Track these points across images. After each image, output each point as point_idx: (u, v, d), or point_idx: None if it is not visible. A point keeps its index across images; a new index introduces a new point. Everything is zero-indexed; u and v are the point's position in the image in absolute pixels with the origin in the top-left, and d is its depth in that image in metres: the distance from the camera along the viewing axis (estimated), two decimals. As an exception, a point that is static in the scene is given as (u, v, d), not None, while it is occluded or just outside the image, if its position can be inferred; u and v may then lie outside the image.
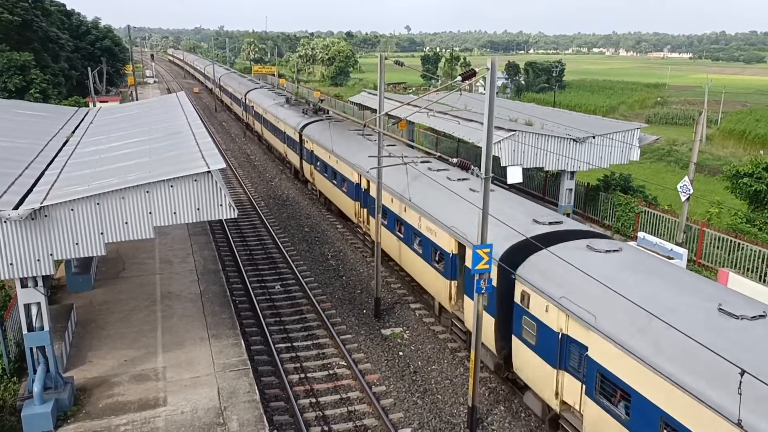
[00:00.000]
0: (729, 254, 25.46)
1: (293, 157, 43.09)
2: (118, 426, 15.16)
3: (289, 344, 21.05)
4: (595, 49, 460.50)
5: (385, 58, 22.04)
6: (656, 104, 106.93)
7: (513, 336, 16.56)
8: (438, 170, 24.28)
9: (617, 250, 15.65)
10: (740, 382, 9.85)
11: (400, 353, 20.61)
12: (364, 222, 29.74)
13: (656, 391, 11.67)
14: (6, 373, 17.04)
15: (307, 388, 18.52)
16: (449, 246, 19.86)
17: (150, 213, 14.71)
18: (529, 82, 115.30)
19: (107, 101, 60.39)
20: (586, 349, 13.59)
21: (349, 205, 31.02)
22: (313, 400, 17.90)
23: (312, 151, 37.25)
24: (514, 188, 32.75)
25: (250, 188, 42.55)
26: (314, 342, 21.28)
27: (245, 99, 63.82)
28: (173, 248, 27.68)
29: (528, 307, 15.67)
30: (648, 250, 19.71)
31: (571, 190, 29.25)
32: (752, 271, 24.34)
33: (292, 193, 41.38)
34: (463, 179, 22.99)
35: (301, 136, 39.87)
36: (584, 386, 13.83)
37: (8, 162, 18.67)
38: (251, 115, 61.22)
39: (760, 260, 24.17)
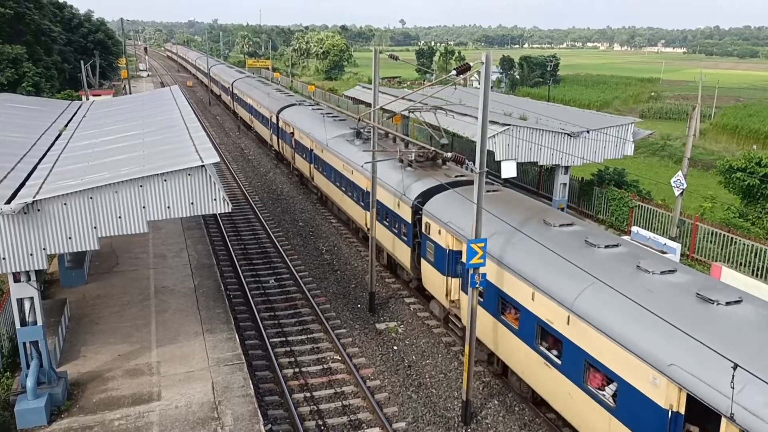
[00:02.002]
0: (722, 249, 25.57)
1: (397, 247, 24.05)
2: (111, 420, 15.14)
3: (284, 339, 21.05)
4: (590, 44, 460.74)
5: (380, 52, 21.99)
6: (650, 99, 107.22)
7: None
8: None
9: None
10: (732, 375, 9.91)
11: (395, 347, 20.65)
12: None
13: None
14: (-1, 367, 16.99)
15: (302, 382, 18.53)
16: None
17: (143, 207, 14.65)
18: (524, 77, 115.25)
19: (100, 95, 60.12)
20: None
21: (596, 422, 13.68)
22: (308, 394, 17.92)
23: (449, 252, 19.60)
24: (508, 182, 32.80)
25: (244, 182, 42.43)
26: (309, 336, 21.29)
27: (277, 119, 45.25)
28: (167, 243, 27.60)
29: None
30: (642, 244, 19.79)
31: (565, 184, 29.33)
32: (745, 266, 24.47)
33: (286, 187, 41.28)
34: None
35: (418, 215, 21.84)
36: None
37: (0, 156, 18.55)
38: (288, 145, 42.35)
39: (753, 254, 24.29)
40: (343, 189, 30.03)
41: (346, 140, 31.12)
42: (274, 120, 46.34)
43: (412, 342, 20.98)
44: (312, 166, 36.33)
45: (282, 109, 44.86)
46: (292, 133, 40.59)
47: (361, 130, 30.92)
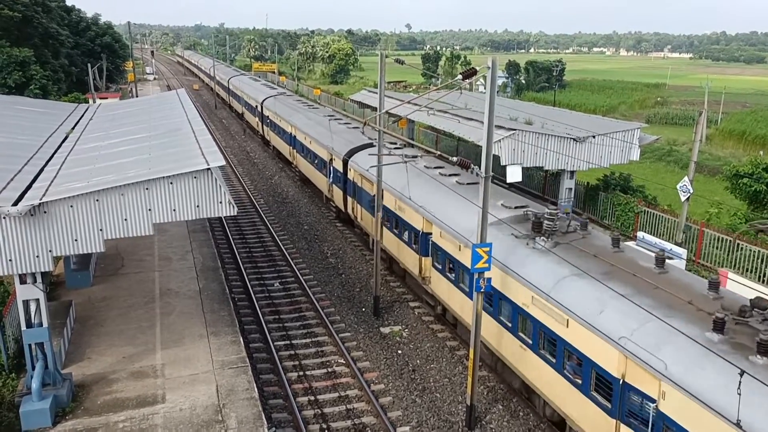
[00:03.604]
0: (728, 254, 25.47)
1: None
2: (116, 423, 15.16)
3: (288, 342, 21.06)
4: (596, 49, 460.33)
5: (386, 57, 22.01)
6: (656, 104, 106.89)
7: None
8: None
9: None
10: (740, 382, 9.85)
11: (399, 351, 20.62)
12: None
13: None
14: (4, 369, 17.02)
15: (306, 385, 18.52)
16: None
17: (149, 210, 14.70)
18: (530, 81, 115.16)
19: (107, 98, 60.33)
20: None
21: None
22: (312, 397, 17.90)
23: None
24: (513, 187, 32.76)
25: (250, 186, 42.51)
26: (313, 340, 21.28)
27: (345, 167, 30.75)
28: (172, 245, 27.67)
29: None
30: (648, 250, 19.70)
31: (570, 189, 29.25)
32: (751, 272, 24.36)
33: (291, 191, 41.33)
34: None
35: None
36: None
37: (7, 158, 18.64)
38: (367, 210, 27.69)
39: (759, 260, 24.18)
40: (528, 341, 16.17)
41: (516, 239, 17.28)
42: (337, 166, 31.90)
43: (416, 346, 20.94)
44: (434, 265, 21.34)
45: (354, 151, 30.53)
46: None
47: (546, 221, 16.97)
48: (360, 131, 30.28)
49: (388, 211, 24.95)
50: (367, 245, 29.49)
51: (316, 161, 36.85)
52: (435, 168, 24.72)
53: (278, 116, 47.90)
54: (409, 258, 23.61)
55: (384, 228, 25.29)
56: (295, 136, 42.44)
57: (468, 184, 22.37)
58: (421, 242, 22.03)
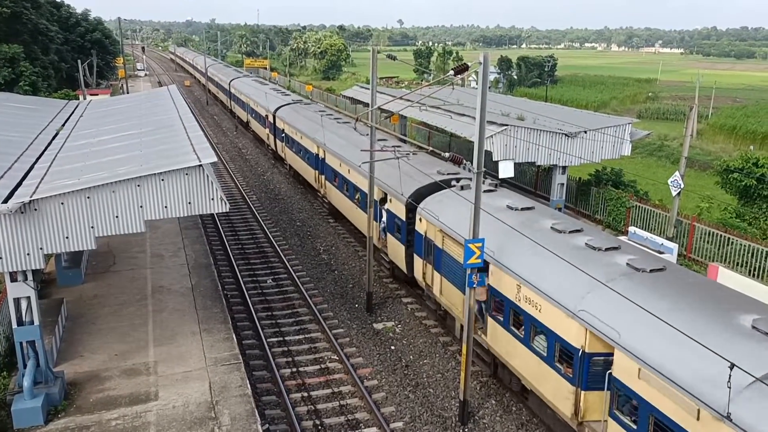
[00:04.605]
0: (719, 249, 25.63)
1: None
2: (109, 420, 15.12)
3: (281, 338, 21.05)
4: (587, 44, 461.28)
5: (378, 52, 21.98)
6: (647, 99, 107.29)
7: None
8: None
9: None
10: (729, 375, 9.92)
11: (392, 347, 20.65)
12: None
13: None
14: (-4, 367, 16.95)
15: (299, 382, 18.53)
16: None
17: (141, 207, 14.65)
18: (522, 77, 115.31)
19: (97, 94, 60.01)
20: None
21: None
22: (305, 394, 17.92)
23: None
24: (506, 183, 32.83)
25: (242, 182, 42.39)
26: (306, 336, 21.29)
27: (407, 212, 22.23)
28: (164, 242, 27.58)
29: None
30: (639, 244, 19.81)
31: (562, 184, 29.35)
32: (742, 266, 24.53)
33: (284, 187, 41.25)
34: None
35: None
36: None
37: (-3, 155, 18.52)
38: (451, 285, 19.16)
39: (750, 254, 24.35)
40: None
41: None
42: (396, 211, 23.21)
43: (409, 342, 20.98)
44: (613, 412, 12.76)
45: (426, 194, 21.64)
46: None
47: None
48: (425, 164, 22.72)
49: (496, 293, 16.54)
50: (447, 327, 21.25)
51: (357, 196, 27.62)
52: (572, 233, 16.20)
53: (298, 131, 38.15)
54: (548, 383, 14.62)
55: (494, 321, 16.89)
56: (323, 159, 33.07)
57: (653, 270, 13.81)
58: (581, 367, 13.41)
